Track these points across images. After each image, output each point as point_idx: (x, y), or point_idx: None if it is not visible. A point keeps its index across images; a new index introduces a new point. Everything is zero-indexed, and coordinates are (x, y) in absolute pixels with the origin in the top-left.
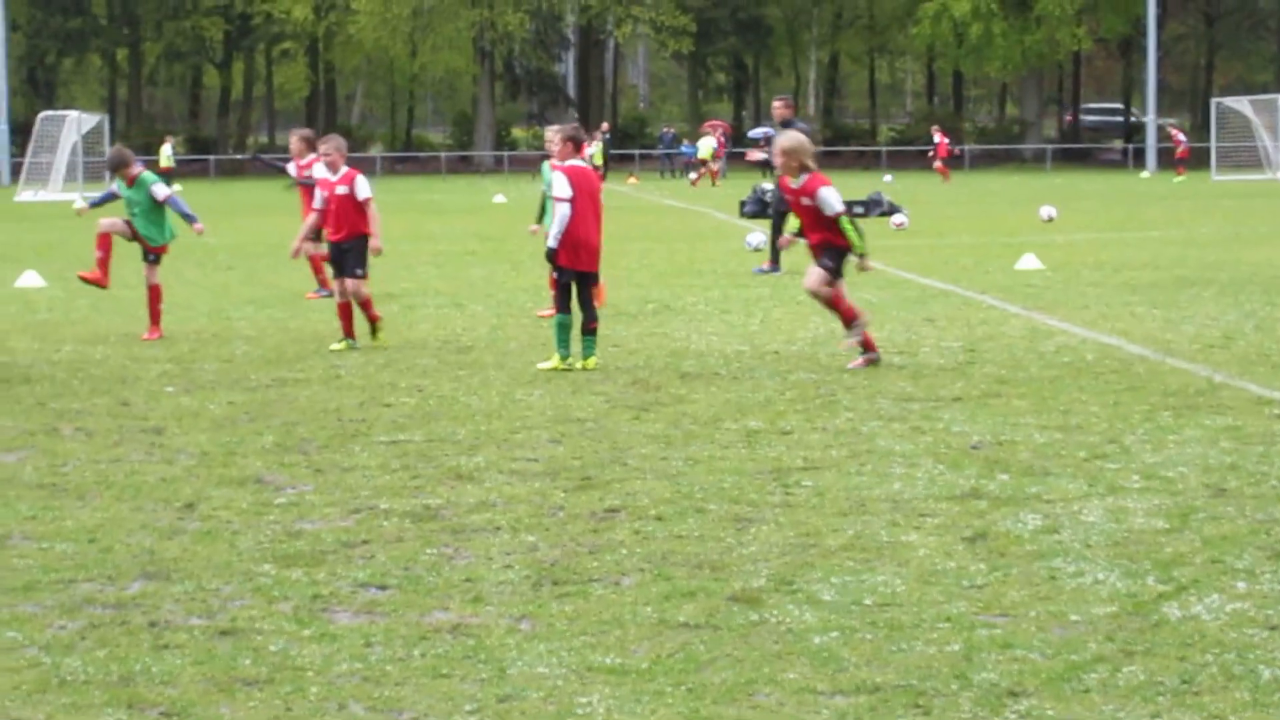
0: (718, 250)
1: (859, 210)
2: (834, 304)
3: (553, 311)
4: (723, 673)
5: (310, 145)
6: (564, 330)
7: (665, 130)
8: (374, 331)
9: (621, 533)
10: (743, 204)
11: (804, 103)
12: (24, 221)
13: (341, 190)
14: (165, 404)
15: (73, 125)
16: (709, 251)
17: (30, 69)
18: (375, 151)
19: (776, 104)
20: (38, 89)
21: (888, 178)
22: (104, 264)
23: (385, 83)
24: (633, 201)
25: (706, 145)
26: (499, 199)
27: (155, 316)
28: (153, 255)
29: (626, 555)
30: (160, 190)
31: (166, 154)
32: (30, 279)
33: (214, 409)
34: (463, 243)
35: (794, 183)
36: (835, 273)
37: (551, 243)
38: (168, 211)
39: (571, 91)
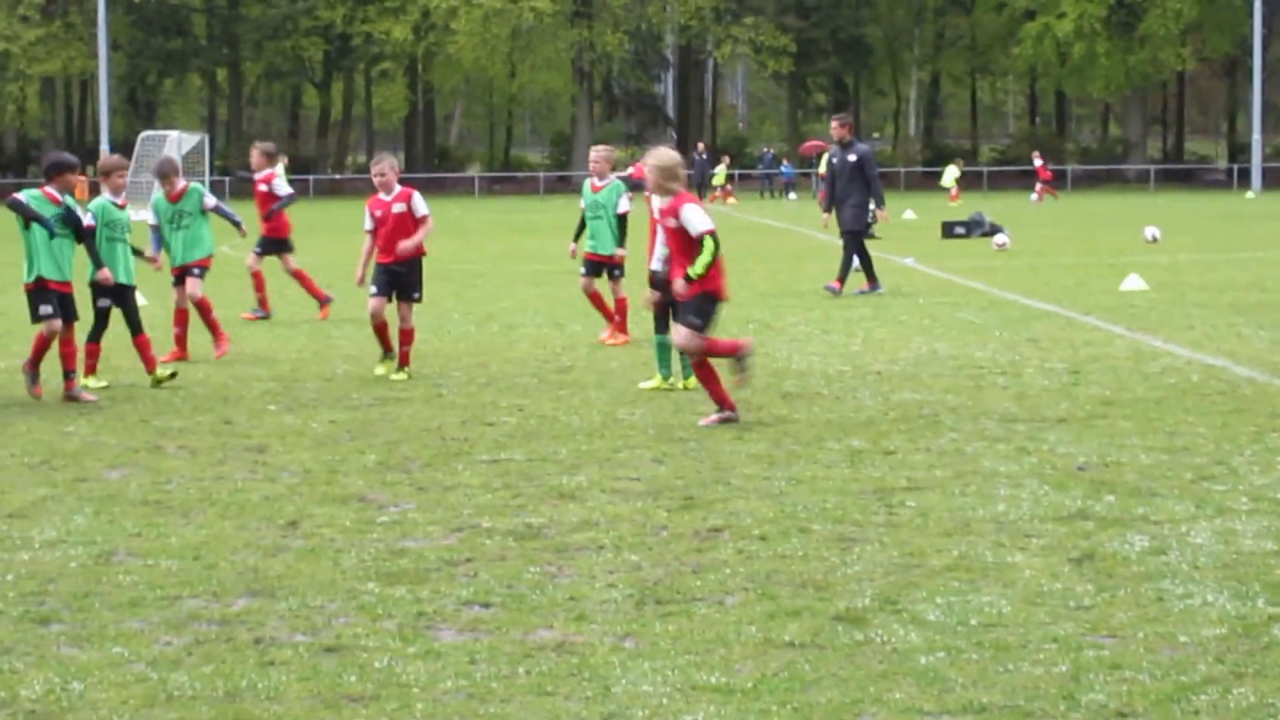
0: (818, 270)
1: (960, 231)
2: (713, 351)
3: (611, 335)
4: (828, 692)
5: (270, 158)
6: (664, 350)
7: (765, 150)
8: (398, 364)
9: (725, 552)
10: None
11: (904, 123)
12: None
13: (399, 209)
14: (268, 422)
15: (173, 145)
16: (809, 271)
17: (131, 89)
18: (473, 171)
19: (834, 124)
20: (138, 109)
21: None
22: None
23: (484, 103)
24: (732, 221)
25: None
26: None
27: (214, 326)
28: (199, 270)
29: (730, 574)
30: (210, 200)
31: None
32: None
33: (316, 427)
34: (561, 262)
35: (659, 202)
36: (703, 328)
37: (655, 265)
38: (207, 225)
39: (670, 112)
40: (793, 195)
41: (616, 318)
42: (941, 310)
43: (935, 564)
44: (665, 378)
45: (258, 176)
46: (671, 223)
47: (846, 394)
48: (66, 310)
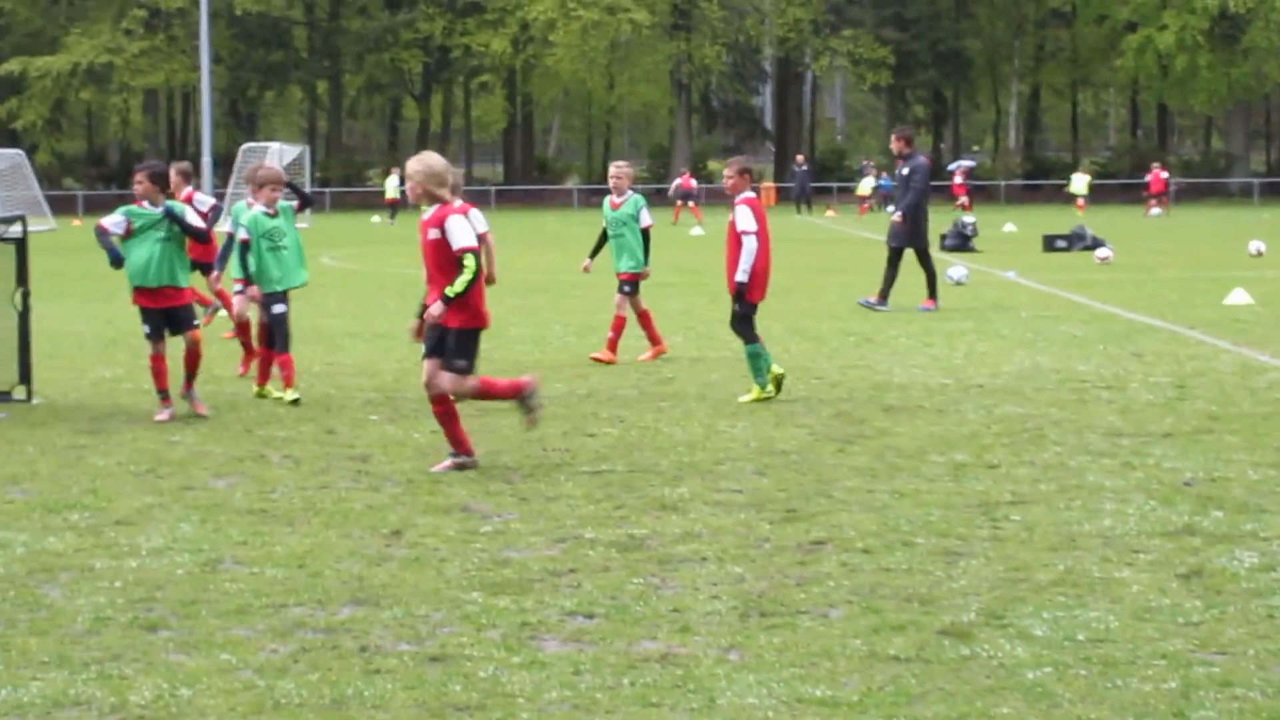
0: (918, 283)
1: (1061, 245)
2: (491, 394)
3: (605, 355)
4: (935, 706)
5: (186, 178)
6: (758, 359)
7: (864, 163)
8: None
9: (828, 565)
10: (943, 238)
11: (1004, 136)
12: None
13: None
14: (370, 432)
15: (274, 157)
16: (909, 284)
17: (232, 101)
18: (571, 183)
19: (893, 137)
20: (239, 121)
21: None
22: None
23: (582, 115)
24: (831, 234)
25: (867, 184)
26: (696, 231)
27: (249, 346)
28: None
29: (834, 587)
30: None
31: (394, 185)
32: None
33: (418, 437)
34: (660, 274)
35: (423, 213)
36: (469, 369)
37: (742, 277)
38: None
39: (768, 124)
40: (890, 208)
41: (611, 335)
42: (1044, 324)
43: (1041, 579)
44: (763, 387)
45: (180, 197)
46: (434, 234)
47: (949, 407)
48: (168, 322)
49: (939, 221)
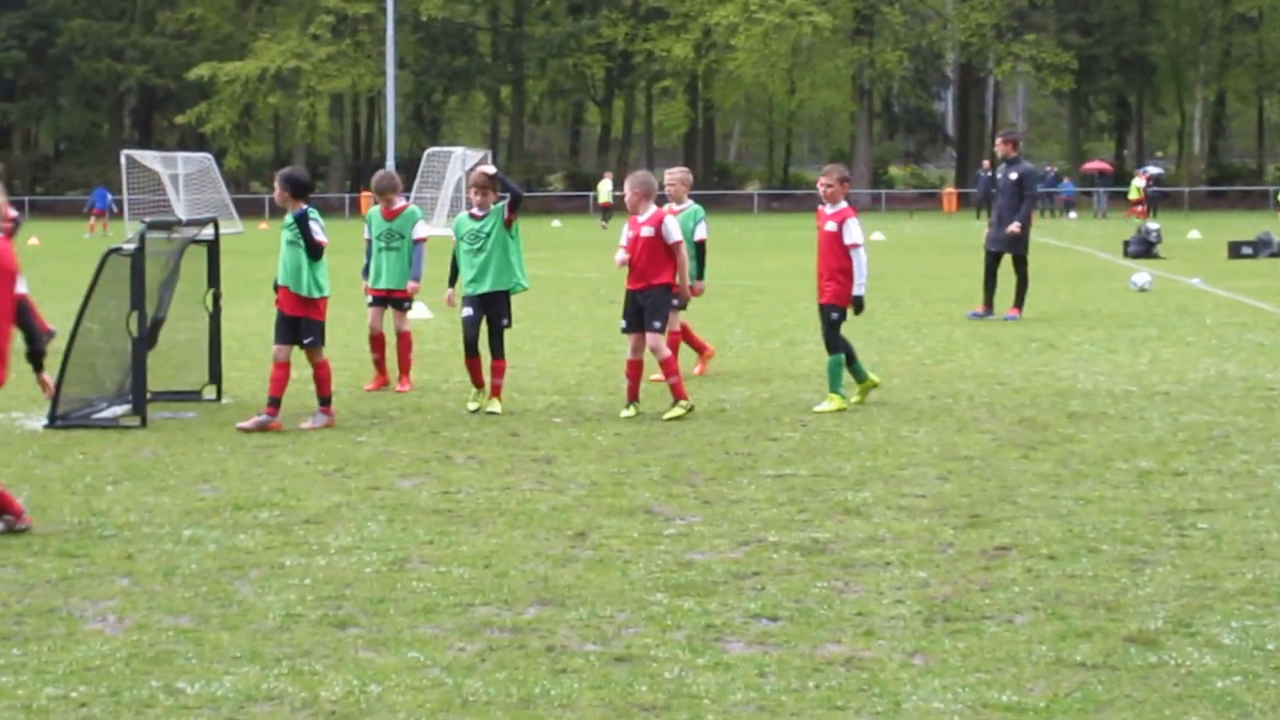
0: (1101, 290)
1: (1247, 251)
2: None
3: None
4: (1122, 714)
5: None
6: (839, 369)
7: (1046, 168)
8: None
9: (1013, 570)
10: (1127, 244)
11: (1188, 142)
12: None
13: (647, 232)
14: (554, 435)
15: (457, 161)
16: (1092, 291)
17: (417, 106)
18: (752, 189)
19: (999, 140)
20: (423, 125)
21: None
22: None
23: (763, 120)
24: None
25: None
26: (876, 236)
27: (406, 366)
28: (406, 303)
29: (1019, 593)
30: (421, 230)
31: (606, 190)
32: (419, 310)
33: (601, 440)
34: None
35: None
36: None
37: (860, 290)
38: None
39: (950, 130)
40: (1073, 214)
41: (709, 349)
42: (1230, 331)
43: (1229, 587)
44: (844, 397)
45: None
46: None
47: (1134, 414)
48: (283, 331)
49: (1122, 229)
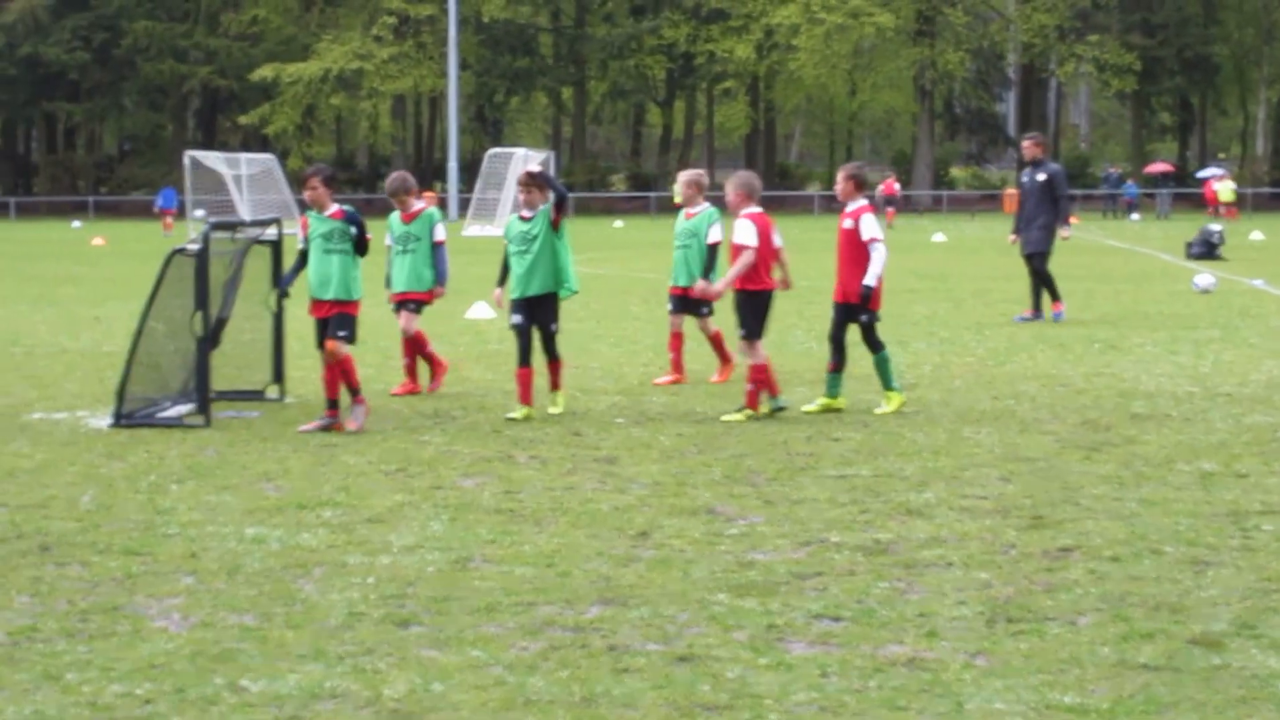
0: (1164, 292)
1: None
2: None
3: (672, 379)
4: (1186, 716)
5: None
6: (885, 365)
7: (1109, 170)
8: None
9: (1076, 572)
10: (1189, 245)
11: (1251, 143)
12: (472, 255)
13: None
14: (616, 435)
15: (519, 162)
16: (1154, 293)
17: (479, 107)
18: (812, 190)
19: (1026, 142)
20: (485, 126)
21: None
22: (412, 370)
23: (824, 121)
24: (1074, 242)
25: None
26: (938, 238)
27: (432, 359)
28: (415, 304)
29: (1082, 595)
30: (440, 232)
31: (678, 190)
32: (480, 310)
33: (664, 440)
34: (903, 280)
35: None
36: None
37: (872, 281)
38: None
39: (1011, 131)
40: (1135, 215)
41: (716, 351)
42: None
43: None
44: (899, 391)
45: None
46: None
47: (1196, 416)
48: (323, 335)
49: (1185, 231)
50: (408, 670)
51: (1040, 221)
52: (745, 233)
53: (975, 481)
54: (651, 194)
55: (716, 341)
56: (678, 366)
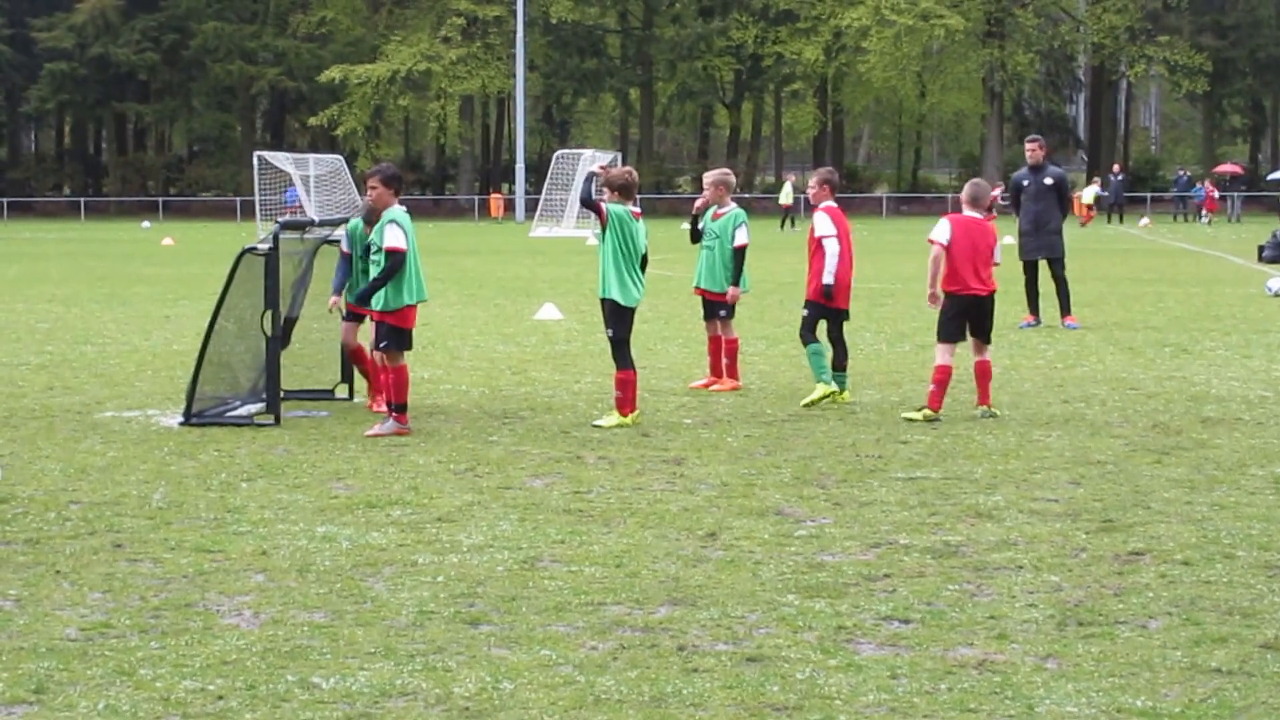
0: (1235, 295)
1: None
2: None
3: (708, 382)
4: None
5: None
6: (819, 357)
7: (1180, 173)
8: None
9: (1146, 576)
10: (1261, 249)
11: None
12: (539, 256)
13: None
14: (684, 436)
15: (586, 163)
16: (1226, 296)
17: (546, 108)
18: (881, 192)
19: (1030, 145)
20: (553, 127)
21: (1205, 219)
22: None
23: (892, 124)
24: (1145, 245)
25: (1089, 192)
26: (1007, 240)
27: (372, 375)
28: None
29: (1153, 598)
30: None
31: (787, 192)
32: (549, 311)
33: (731, 441)
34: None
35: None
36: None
37: (828, 279)
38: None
39: (1081, 133)
40: (1205, 218)
41: (726, 360)
42: None
43: None
44: (828, 383)
45: None
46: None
47: (1269, 420)
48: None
49: (1258, 233)
50: (477, 669)
51: (1052, 225)
52: (941, 233)
53: (1045, 484)
54: None
55: (729, 350)
56: (716, 370)
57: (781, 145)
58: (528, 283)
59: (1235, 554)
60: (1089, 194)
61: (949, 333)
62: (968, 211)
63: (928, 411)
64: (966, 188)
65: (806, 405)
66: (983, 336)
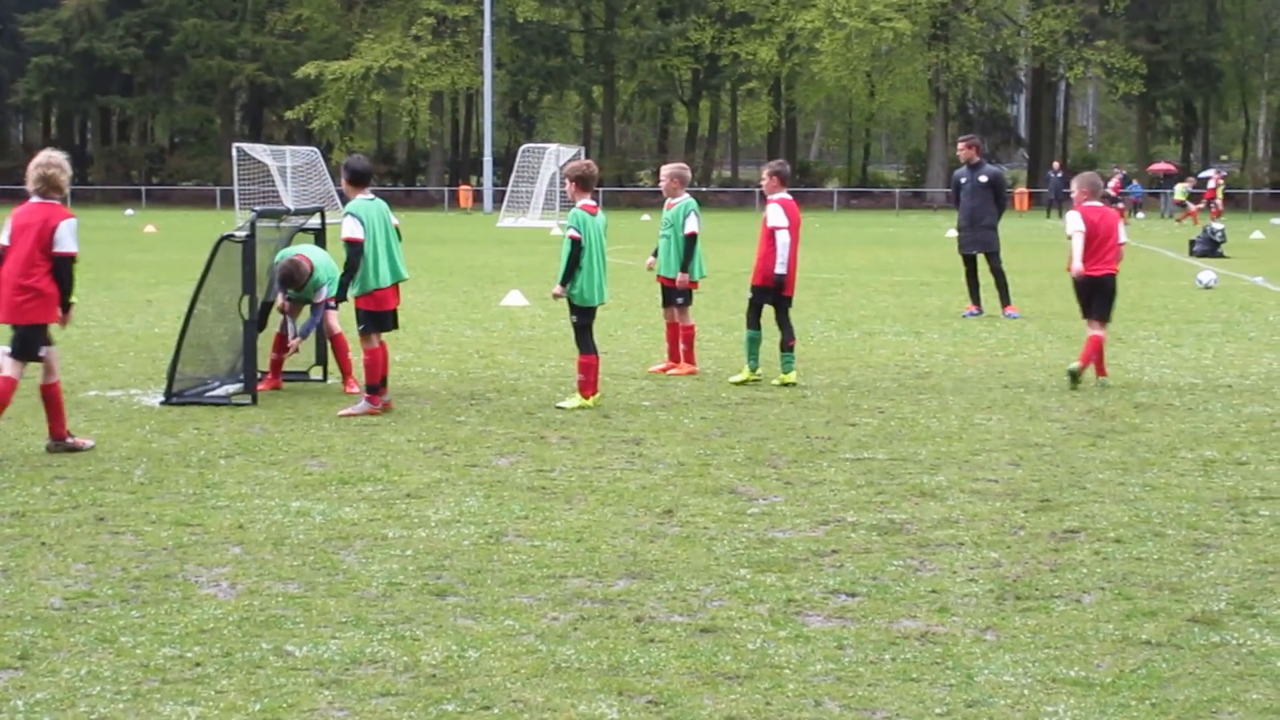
0: (1168, 287)
1: None
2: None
3: (668, 367)
4: (1186, 690)
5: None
6: (755, 344)
7: (1115, 170)
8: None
9: (1081, 553)
10: (1192, 243)
11: (1253, 146)
12: (506, 245)
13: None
14: (643, 417)
15: (551, 157)
16: (1159, 288)
17: (513, 104)
18: (832, 186)
19: (961, 145)
20: (519, 123)
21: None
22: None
23: (843, 121)
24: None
25: (1181, 189)
26: (950, 233)
27: (347, 367)
28: (335, 303)
29: (1087, 574)
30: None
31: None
32: (514, 298)
33: (688, 423)
34: (917, 274)
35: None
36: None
37: (780, 269)
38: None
39: (1022, 132)
40: (1140, 214)
41: (683, 346)
42: None
43: None
44: (753, 370)
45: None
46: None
47: (1198, 406)
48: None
49: (1188, 229)
50: (444, 638)
51: (986, 221)
52: (1074, 223)
53: (986, 466)
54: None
55: (685, 336)
56: (674, 355)
57: (737, 141)
58: (495, 271)
59: (1165, 532)
60: (1180, 190)
61: (1081, 309)
62: (1088, 203)
63: (1104, 380)
64: (1082, 183)
65: (735, 384)
66: (1101, 314)
